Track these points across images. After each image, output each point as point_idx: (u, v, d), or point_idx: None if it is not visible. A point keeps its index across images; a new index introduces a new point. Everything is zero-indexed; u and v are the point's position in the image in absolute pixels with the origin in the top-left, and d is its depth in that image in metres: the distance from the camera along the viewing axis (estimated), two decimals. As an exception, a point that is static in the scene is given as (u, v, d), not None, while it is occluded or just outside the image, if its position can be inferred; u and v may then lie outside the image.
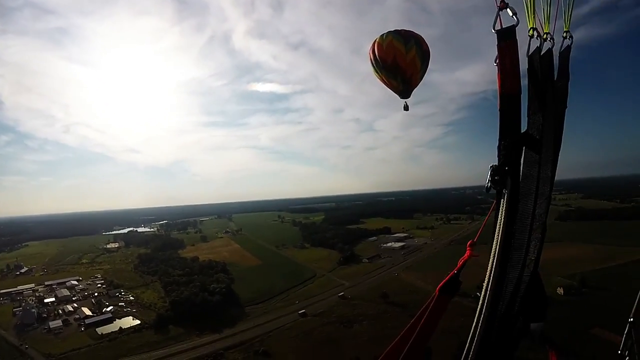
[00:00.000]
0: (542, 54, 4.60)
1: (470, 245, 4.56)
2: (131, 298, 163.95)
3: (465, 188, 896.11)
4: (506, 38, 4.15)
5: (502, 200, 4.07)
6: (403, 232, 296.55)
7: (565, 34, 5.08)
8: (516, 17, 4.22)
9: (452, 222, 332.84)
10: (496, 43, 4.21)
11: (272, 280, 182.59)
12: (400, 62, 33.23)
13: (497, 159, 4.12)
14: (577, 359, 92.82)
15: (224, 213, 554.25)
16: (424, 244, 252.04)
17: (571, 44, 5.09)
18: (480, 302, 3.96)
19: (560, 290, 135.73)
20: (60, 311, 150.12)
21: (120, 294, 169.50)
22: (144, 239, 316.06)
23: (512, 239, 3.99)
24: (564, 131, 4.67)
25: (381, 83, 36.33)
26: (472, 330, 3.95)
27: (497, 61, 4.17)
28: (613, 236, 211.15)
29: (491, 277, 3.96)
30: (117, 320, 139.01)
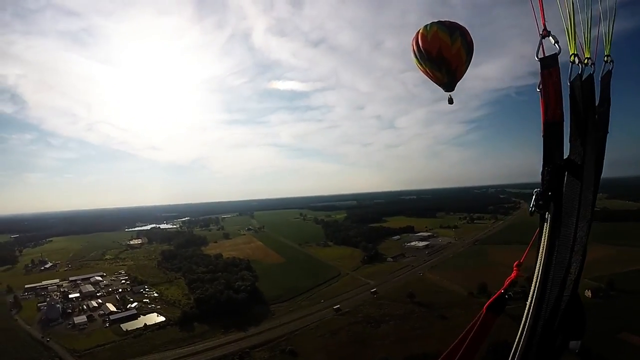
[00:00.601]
0: (583, 79, 4.65)
1: (517, 266, 5.00)
2: (155, 294, 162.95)
3: (487, 187, 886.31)
4: (549, 66, 4.38)
5: (545, 224, 4.41)
6: (426, 231, 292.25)
7: (606, 58, 5.10)
8: (558, 45, 4.48)
9: (475, 221, 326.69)
10: (539, 70, 4.44)
11: (296, 278, 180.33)
12: (446, 54, 31.89)
13: (540, 184, 4.46)
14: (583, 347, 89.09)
15: (245, 210, 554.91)
16: (448, 243, 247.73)
17: (612, 68, 5.08)
18: (523, 321, 4.30)
19: (588, 293, 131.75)
20: (84, 307, 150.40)
21: (144, 290, 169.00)
22: (166, 235, 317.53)
23: (554, 261, 4.28)
24: (605, 155, 4.74)
25: (424, 75, 34.69)
26: (514, 347, 4.30)
27: (540, 88, 4.45)
28: (639, 238, 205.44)
29: (534, 297, 4.30)
30: (141, 316, 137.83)
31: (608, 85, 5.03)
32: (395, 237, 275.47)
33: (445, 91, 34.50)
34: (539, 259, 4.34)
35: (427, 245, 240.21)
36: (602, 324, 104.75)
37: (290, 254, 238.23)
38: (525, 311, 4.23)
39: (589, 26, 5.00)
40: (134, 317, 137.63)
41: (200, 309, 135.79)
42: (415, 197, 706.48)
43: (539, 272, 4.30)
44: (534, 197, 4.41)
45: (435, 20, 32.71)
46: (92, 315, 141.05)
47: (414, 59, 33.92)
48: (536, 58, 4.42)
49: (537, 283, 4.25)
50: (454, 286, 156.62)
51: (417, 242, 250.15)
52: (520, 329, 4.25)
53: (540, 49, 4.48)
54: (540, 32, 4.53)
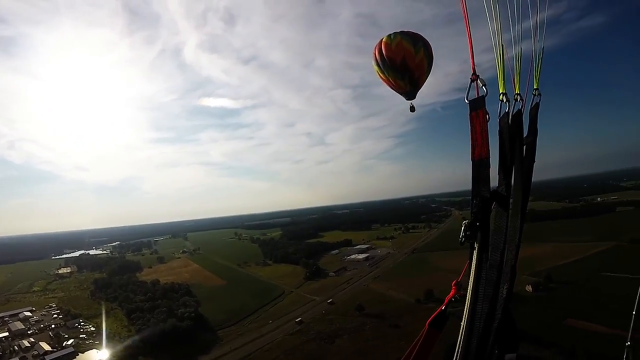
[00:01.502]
0: (512, 114, 4.90)
1: (455, 285, 5.01)
2: (92, 328, 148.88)
3: (417, 197, 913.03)
4: (477, 108, 4.57)
5: (474, 251, 4.58)
6: (364, 243, 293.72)
7: (535, 91, 5.45)
8: (485, 88, 4.70)
9: (410, 231, 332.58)
10: (468, 112, 4.61)
11: (241, 300, 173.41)
12: (410, 63, 31.93)
13: (470, 215, 4.62)
14: (558, 350, 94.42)
15: (178, 232, 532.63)
16: (387, 254, 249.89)
17: (539, 101, 5.43)
18: (459, 338, 4.43)
19: (528, 288, 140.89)
20: (16, 347, 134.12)
21: (80, 325, 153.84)
22: (97, 262, 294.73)
23: (484, 282, 4.48)
24: (531, 181, 5.02)
25: (384, 83, 34.36)
26: None
27: (470, 129, 4.58)
28: (568, 234, 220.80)
29: (467, 315, 4.48)
30: (80, 354, 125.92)
31: (535, 117, 5.27)
32: (334, 251, 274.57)
33: (407, 99, 34.35)
34: (470, 281, 4.50)
35: (367, 257, 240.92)
36: (548, 314, 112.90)
37: (230, 275, 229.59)
38: (461, 329, 4.38)
39: (519, 64, 5.23)
40: (72, 355, 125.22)
41: (144, 342, 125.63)
42: (348, 211, 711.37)
43: (470, 292, 4.46)
44: (462, 227, 4.57)
45: (398, 31, 32.59)
46: (25, 357, 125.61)
47: (376, 67, 33.42)
48: (465, 101, 4.64)
49: (469, 303, 4.41)
50: (400, 295, 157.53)
51: (356, 255, 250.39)
52: (457, 346, 4.37)
53: (470, 91, 4.71)
54: (470, 76, 4.73)
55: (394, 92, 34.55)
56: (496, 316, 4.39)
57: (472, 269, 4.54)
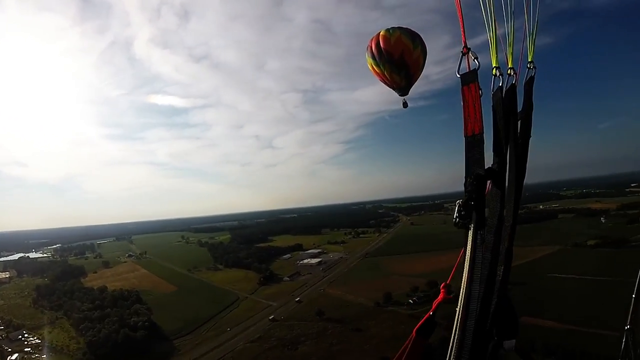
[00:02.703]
0: (506, 89, 4.67)
1: (443, 287, 4.81)
2: (37, 341, 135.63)
3: (365, 203, 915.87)
4: (468, 82, 4.34)
5: (469, 232, 4.27)
6: (315, 248, 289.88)
7: (529, 64, 5.16)
8: (477, 60, 4.45)
9: (361, 235, 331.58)
10: (460, 86, 4.38)
11: (194, 307, 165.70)
12: (407, 59, 31.67)
13: (463, 195, 4.28)
14: (519, 345, 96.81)
15: (122, 234, 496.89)
16: (340, 258, 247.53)
17: (534, 74, 5.14)
18: (455, 324, 4.12)
19: None
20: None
21: (24, 337, 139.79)
22: (38, 266, 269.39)
23: (480, 265, 4.19)
24: (528, 158, 4.81)
25: (376, 77, 34.01)
26: (449, 349, 4.12)
27: (462, 104, 4.36)
28: (515, 239, 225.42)
29: (462, 303, 4.14)
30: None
31: (530, 91, 5.04)
32: (285, 256, 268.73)
33: (400, 95, 34.12)
34: (466, 265, 4.17)
35: (320, 262, 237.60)
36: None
37: (181, 281, 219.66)
38: (456, 316, 4.08)
39: (512, 37, 4.94)
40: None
41: (95, 355, 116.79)
42: (296, 215, 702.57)
43: (466, 278, 4.12)
44: (456, 207, 4.23)
45: (396, 26, 32.45)
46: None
47: (370, 60, 32.88)
48: (457, 75, 4.43)
49: (465, 289, 4.10)
50: (359, 299, 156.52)
51: (309, 260, 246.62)
52: (453, 333, 4.06)
53: (461, 65, 4.49)
54: (462, 50, 4.51)
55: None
56: (493, 300, 4.23)
57: (467, 251, 4.19)
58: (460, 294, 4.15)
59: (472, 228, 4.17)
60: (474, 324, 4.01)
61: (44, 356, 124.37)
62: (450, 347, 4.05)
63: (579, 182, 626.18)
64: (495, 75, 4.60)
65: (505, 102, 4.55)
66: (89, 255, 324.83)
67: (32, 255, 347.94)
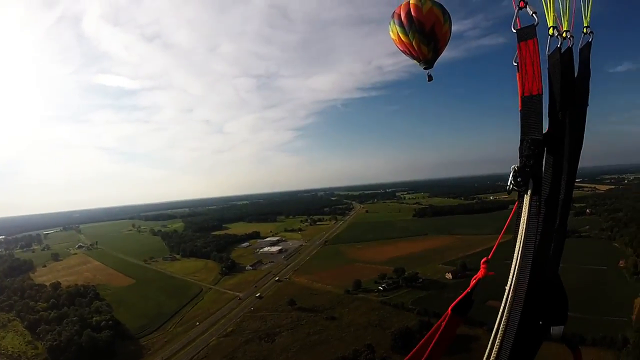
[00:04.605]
0: (562, 52, 4.41)
1: (484, 263, 4.56)
2: None
3: (316, 190, 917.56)
4: (526, 37, 4.03)
5: (523, 201, 3.99)
6: (273, 235, 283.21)
7: (585, 29, 4.92)
8: (536, 15, 4.14)
9: (317, 223, 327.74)
10: (516, 43, 4.11)
11: (156, 301, 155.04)
12: (438, 31, 30.74)
13: (519, 160, 4.00)
14: (488, 327, 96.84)
15: (69, 224, 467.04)
16: (300, 246, 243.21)
17: (591, 40, 4.89)
18: (503, 305, 3.92)
19: (448, 276, 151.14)
20: None
21: None
22: None
23: (534, 241, 3.91)
24: (585, 128, 4.60)
25: (399, 46, 32.40)
26: (493, 333, 3.92)
27: (517, 61, 4.07)
28: (469, 227, 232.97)
29: (513, 280, 3.90)
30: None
31: (587, 57, 4.76)
32: (243, 244, 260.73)
33: (425, 68, 32.84)
34: (518, 239, 3.84)
35: (280, 250, 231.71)
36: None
37: (138, 273, 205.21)
38: (505, 296, 3.82)
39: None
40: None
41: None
42: (247, 202, 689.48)
43: (518, 253, 3.80)
44: (511, 173, 3.92)
45: None
46: None
47: (397, 29, 31.27)
48: (513, 30, 4.07)
49: (517, 264, 3.81)
50: (327, 287, 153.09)
51: (269, 248, 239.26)
52: (499, 313, 3.84)
53: (517, 20, 4.10)
54: (517, 4, 4.17)
55: (409, 56, 32.50)
56: (544, 282, 3.95)
57: (521, 223, 3.84)
58: (512, 267, 3.81)
59: (528, 195, 3.86)
60: (523, 304, 3.75)
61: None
62: (495, 328, 3.81)
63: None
64: (552, 35, 4.26)
65: (562, 65, 4.25)
66: (36, 247, 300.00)
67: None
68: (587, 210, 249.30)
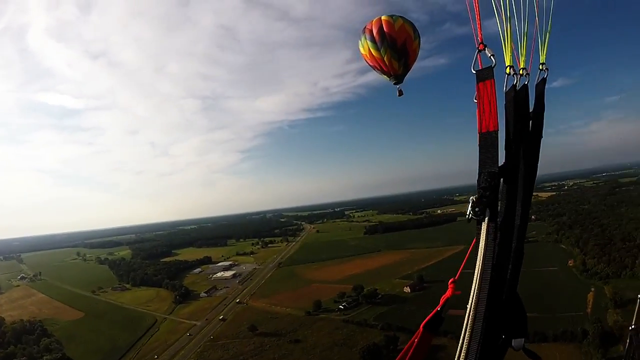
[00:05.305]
0: (517, 89, 4.66)
1: (451, 283, 4.84)
2: None
3: (264, 212, 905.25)
4: (484, 78, 4.29)
5: (482, 228, 4.21)
6: (225, 260, 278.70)
7: (541, 66, 5.18)
8: (494, 58, 4.41)
9: (269, 245, 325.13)
10: (475, 83, 4.35)
11: (110, 334, 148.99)
12: (409, 47, 31.54)
13: (477, 191, 4.25)
14: (453, 335, 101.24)
15: (9, 252, 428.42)
16: (253, 269, 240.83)
17: (546, 75, 5.15)
18: (465, 322, 4.09)
19: (406, 289, 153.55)
20: None
21: None
22: None
23: (492, 262, 4.15)
24: (539, 158, 4.85)
25: (369, 63, 33.05)
26: (458, 348, 4.06)
27: (476, 100, 4.31)
28: (420, 240, 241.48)
29: (474, 300, 4.09)
30: None
31: (542, 92, 5.04)
32: (195, 270, 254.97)
33: (394, 83, 33.42)
34: (477, 262, 4.12)
35: (234, 274, 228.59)
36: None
37: (87, 305, 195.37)
38: (467, 313, 4.02)
39: (525, 38, 5.00)
40: None
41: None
42: (196, 226, 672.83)
43: (477, 276, 4.07)
44: (470, 204, 4.18)
45: (396, 14, 32.13)
46: None
47: (368, 44, 31.79)
48: (472, 70, 4.36)
49: (476, 285, 4.04)
50: (287, 309, 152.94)
51: (223, 273, 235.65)
52: (463, 330, 4.01)
53: (477, 61, 4.47)
54: (477, 46, 4.52)
55: (380, 71, 32.87)
56: (503, 299, 4.31)
57: (479, 248, 4.12)
58: (472, 288, 4.04)
59: (485, 224, 4.10)
60: (483, 321, 3.95)
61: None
62: (460, 344, 3.97)
63: (470, 188, 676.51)
64: (509, 74, 4.58)
65: (518, 101, 4.53)
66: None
67: None
68: (533, 217, 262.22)
